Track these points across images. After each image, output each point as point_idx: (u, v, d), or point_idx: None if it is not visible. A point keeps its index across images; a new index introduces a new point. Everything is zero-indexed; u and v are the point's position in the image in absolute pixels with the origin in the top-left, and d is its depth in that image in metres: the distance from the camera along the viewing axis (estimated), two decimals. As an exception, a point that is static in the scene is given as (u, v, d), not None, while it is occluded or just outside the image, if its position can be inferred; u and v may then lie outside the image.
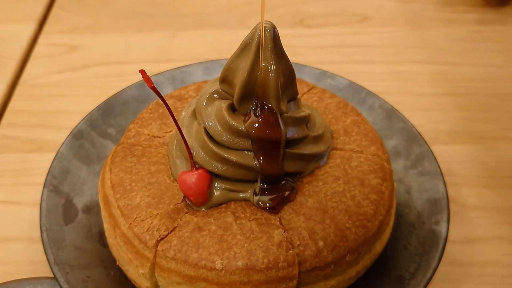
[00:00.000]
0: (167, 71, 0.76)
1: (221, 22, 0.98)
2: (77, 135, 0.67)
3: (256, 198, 0.53)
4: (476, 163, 0.73)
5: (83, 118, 0.68)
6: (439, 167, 0.63)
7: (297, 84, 0.55)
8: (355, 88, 0.74)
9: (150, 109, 0.64)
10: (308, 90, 0.67)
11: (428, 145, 0.66)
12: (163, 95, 0.64)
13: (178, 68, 0.77)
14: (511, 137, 0.76)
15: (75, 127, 0.67)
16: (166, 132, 0.61)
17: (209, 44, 0.93)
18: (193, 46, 0.92)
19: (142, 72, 0.47)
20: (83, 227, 0.60)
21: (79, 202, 0.62)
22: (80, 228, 0.59)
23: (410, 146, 0.67)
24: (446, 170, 0.69)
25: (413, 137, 0.67)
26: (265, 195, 0.53)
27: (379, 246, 0.56)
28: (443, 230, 0.57)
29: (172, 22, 0.98)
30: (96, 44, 0.93)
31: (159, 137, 0.61)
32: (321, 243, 0.50)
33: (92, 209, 0.62)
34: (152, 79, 0.74)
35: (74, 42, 0.93)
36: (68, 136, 0.66)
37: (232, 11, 1.00)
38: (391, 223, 0.58)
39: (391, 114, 0.70)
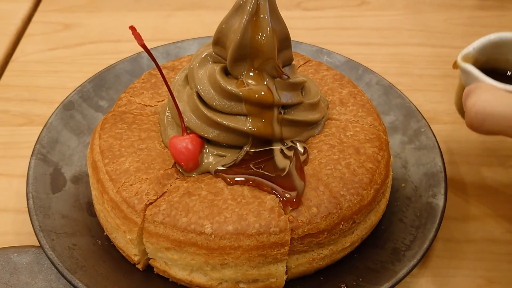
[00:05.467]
0: (161, 45, 0.75)
1: (216, 3, 0.97)
2: (68, 106, 0.65)
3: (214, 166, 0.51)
4: (475, 142, 0.72)
5: (75, 89, 0.67)
6: (436, 141, 0.62)
7: (293, 56, 0.53)
8: (352, 65, 0.72)
9: (143, 79, 0.63)
10: (304, 63, 0.65)
11: (425, 120, 0.64)
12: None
13: (172, 43, 0.75)
14: (510, 118, 0.75)
15: (66, 97, 0.66)
16: (158, 101, 0.60)
17: (205, 24, 0.92)
18: (188, 26, 0.91)
19: (132, 28, 0.46)
20: (71, 196, 0.58)
21: (68, 172, 0.60)
22: (67, 197, 0.58)
23: (408, 122, 0.65)
24: (445, 149, 0.68)
25: (410, 112, 0.66)
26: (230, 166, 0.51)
27: (375, 218, 0.54)
28: (440, 202, 0.56)
29: (167, 2, 0.96)
30: (91, 23, 0.91)
31: (151, 106, 0.59)
32: (314, 210, 0.49)
33: (81, 179, 0.60)
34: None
35: (69, 20, 0.91)
36: (58, 106, 0.65)
37: (229, -7, 0.99)
38: (387, 195, 0.57)
39: (389, 90, 0.69)
